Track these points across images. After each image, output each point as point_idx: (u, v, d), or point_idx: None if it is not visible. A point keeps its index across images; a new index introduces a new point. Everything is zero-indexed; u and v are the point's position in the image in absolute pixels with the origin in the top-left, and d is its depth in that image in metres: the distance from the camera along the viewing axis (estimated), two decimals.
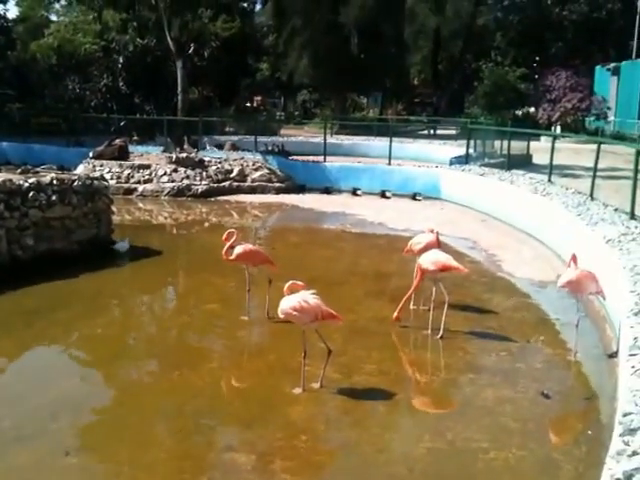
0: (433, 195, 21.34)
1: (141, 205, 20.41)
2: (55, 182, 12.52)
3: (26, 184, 11.95)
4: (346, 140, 30.12)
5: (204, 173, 22.38)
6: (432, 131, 37.96)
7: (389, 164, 23.22)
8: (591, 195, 14.21)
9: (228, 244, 9.11)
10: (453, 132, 34.05)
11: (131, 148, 24.77)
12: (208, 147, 26.39)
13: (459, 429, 6.41)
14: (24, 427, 6.32)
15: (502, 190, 17.86)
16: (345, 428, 6.59)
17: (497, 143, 22.97)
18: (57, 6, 50.87)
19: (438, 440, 6.20)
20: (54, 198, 12.31)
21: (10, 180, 11.84)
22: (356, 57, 39.09)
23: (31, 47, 38.72)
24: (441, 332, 8.72)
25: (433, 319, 8.90)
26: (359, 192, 22.67)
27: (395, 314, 8.95)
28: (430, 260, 8.80)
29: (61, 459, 5.74)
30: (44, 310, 9.87)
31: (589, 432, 6.43)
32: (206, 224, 17.35)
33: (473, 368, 7.95)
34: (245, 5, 49.01)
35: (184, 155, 23.19)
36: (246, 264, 9.42)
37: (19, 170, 14.19)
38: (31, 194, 11.88)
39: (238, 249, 9.13)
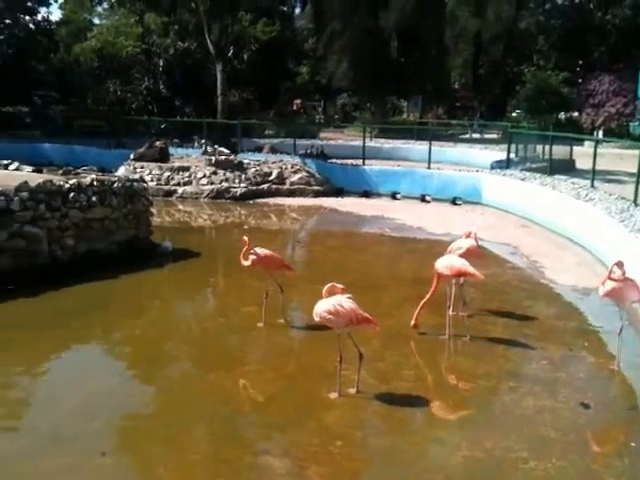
0: (473, 200, 21.09)
1: (181, 207, 20.58)
2: (95, 183, 12.65)
3: (67, 185, 12.10)
4: (385, 144, 29.99)
5: (243, 176, 22.47)
6: (473, 135, 37.58)
7: (429, 168, 23.02)
8: (635, 201, 13.86)
9: (245, 249, 9.05)
10: (494, 136, 33.67)
11: (171, 150, 25.00)
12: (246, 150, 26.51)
13: (498, 438, 6.28)
14: (62, 427, 6.36)
15: (544, 195, 17.55)
16: (381, 434, 6.50)
17: (539, 147, 22.62)
18: (99, 9, 51.59)
19: (476, 449, 6.08)
20: (94, 199, 12.43)
21: (51, 181, 12.00)
22: (396, 60, 38.93)
23: (74, 50, 39.35)
24: (446, 335, 8.70)
25: (472, 326, 8.74)
26: (398, 196, 22.53)
27: (412, 321, 8.84)
28: (445, 265, 8.69)
29: (97, 459, 5.76)
30: (83, 310, 9.97)
31: (632, 444, 6.24)
32: (245, 227, 17.38)
33: (513, 376, 7.78)
34: (285, 9, 49.20)
35: (223, 158, 23.32)
36: (262, 269, 9.37)
37: (61, 171, 14.43)
38: (72, 195, 12.02)
39: (253, 255, 9.08)
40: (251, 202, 21.26)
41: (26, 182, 11.44)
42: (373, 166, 23.90)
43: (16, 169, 15.05)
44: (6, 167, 15.18)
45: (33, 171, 14.88)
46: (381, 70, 37.58)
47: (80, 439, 6.14)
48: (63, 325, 9.33)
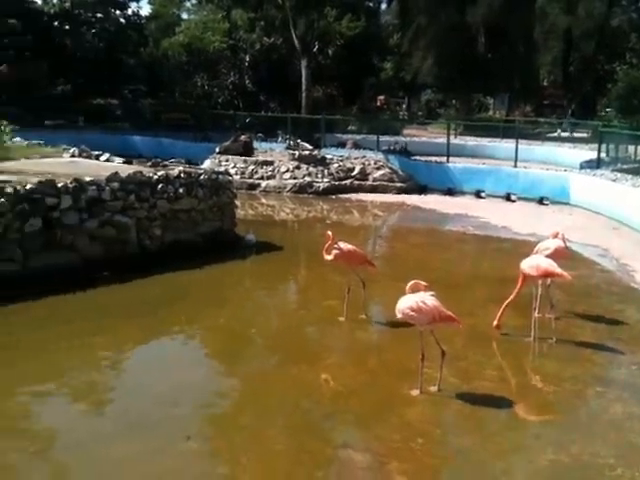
0: (561, 200, 20.44)
1: (264, 200, 20.84)
2: (182, 175, 12.96)
3: (155, 177, 12.44)
4: (470, 141, 29.47)
5: (326, 171, 22.56)
6: (562, 134, 36.46)
7: (515, 166, 22.47)
8: None
9: (327, 244, 9.05)
10: (584, 135, 32.56)
11: (255, 144, 25.36)
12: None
13: (584, 443, 6.08)
14: (148, 413, 6.54)
15: (636, 197, 16.85)
16: (463, 433, 6.40)
17: (631, 148, 21.74)
18: (188, 4, 52.66)
19: (561, 453, 5.90)
20: (181, 191, 12.73)
21: (141, 172, 12.36)
22: (483, 57, 38.15)
23: (163, 44, 40.26)
24: (532, 336, 8.48)
25: (559, 329, 8.49)
26: (483, 194, 22.10)
27: (495, 322, 8.63)
28: (532, 265, 8.44)
29: (182, 444, 5.89)
30: (169, 299, 10.23)
31: None
32: (327, 221, 17.44)
33: (600, 381, 7.53)
34: (370, 4, 48.98)
35: (306, 152, 23.47)
36: (345, 264, 9.34)
37: (149, 163, 14.84)
38: (160, 186, 12.34)
39: (336, 249, 9.06)
40: (333, 197, 21.32)
41: (117, 173, 11.82)
42: (457, 164, 23.53)
43: (107, 160, 15.59)
44: (97, 158, 15.74)
45: (123, 162, 15.39)
46: (467, 66, 36.89)
47: (165, 424, 6.30)
48: (150, 313, 9.60)
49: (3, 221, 9.94)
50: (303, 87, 32.87)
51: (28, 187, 10.43)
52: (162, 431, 6.15)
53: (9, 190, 10.17)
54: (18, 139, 17.12)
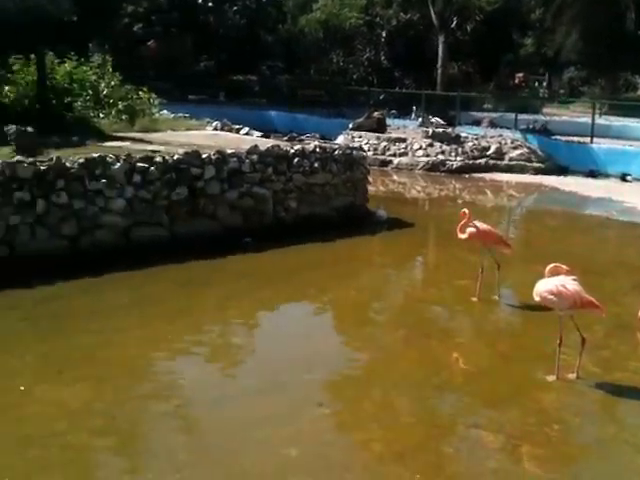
0: None
1: (395, 177, 20.76)
2: (318, 150, 13.14)
3: (292, 150, 12.69)
4: (616, 122, 27.86)
5: (460, 149, 22.12)
6: None
7: None
8: None
9: (462, 222, 8.86)
10: None
11: (388, 121, 25.22)
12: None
13: None
14: (282, 376, 6.73)
15: None
16: (602, 423, 6.16)
17: None
18: None
19: None
20: (316, 165, 12.91)
21: (278, 146, 12.64)
22: (632, 33, 35.79)
23: (300, 21, 40.67)
24: None
25: None
26: (629, 178, 20.80)
27: None
28: None
29: (315, 409, 6.03)
30: (302, 269, 10.45)
31: None
32: (459, 201, 17.14)
33: None
34: None
35: (440, 130, 23.10)
36: (479, 243, 9.12)
37: (286, 137, 15.16)
38: (296, 160, 12.58)
39: (472, 228, 8.84)
40: (466, 176, 20.88)
41: (256, 146, 12.16)
42: (602, 144, 22.35)
43: (246, 134, 16.07)
44: (238, 131, 16.26)
45: (261, 136, 15.80)
46: (615, 43, 34.80)
47: (298, 388, 6.46)
48: (284, 281, 9.87)
49: (153, 189, 10.53)
50: (439, 63, 32.25)
51: (175, 157, 10.96)
52: (295, 395, 6.31)
53: (158, 159, 10.74)
54: (165, 112, 17.96)
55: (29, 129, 10.84)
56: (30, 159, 9.67)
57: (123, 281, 9.28)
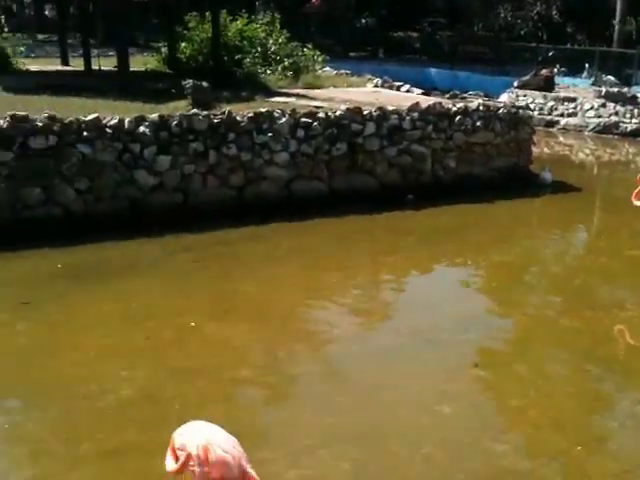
0: None
1: (561, 139, 19.78)
2: (481, 108, 12.77)
3: (454, 108, 12.42)
4: None
5: (635, 111, 20.57)
6: None
7: None
8: None
9: (638, 189, 8.27)
10: None
11: (557, 79, 23.93)
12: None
13: None
14: (437, 334, 6.72)
15: None
16: None
17: None
18: None
19: None
20: (479, 124, 12.56)
21: (440, 104, 12.42)
22: None
23: None
24: None
25: None
26: None
27: None
28: None
29: (470, 370, 6.00)
30: (459, 229, 10.31)
31: None
32: (632, 166, 16.06)
33: None
34: None
35: (615, 90, 21.61)
36: None
37: (447, 95, 14.84)
38: (458, 118, 12.30)
39: None
40: None
41: (418, 103, 12.04)
42: None
43: (407, 91, 15.91)
44: (398, 89, 16.13)
45: (422, 94, 15.57)
46: None
47: (453, 347, 6.45)
48: (440, 241, 9.82)
49: (315, 143, 10.75)
50: (617, 18, 30.06)
51: (337, 113, 11.10)
52: (450, 354, 6.31)
53: (321, 115, 10.93)
54: (328, 69, 18.17)
55: (204, 84, 11.39)
56: (205, 112, 10.17)
57: (284, 231, 9.67)
